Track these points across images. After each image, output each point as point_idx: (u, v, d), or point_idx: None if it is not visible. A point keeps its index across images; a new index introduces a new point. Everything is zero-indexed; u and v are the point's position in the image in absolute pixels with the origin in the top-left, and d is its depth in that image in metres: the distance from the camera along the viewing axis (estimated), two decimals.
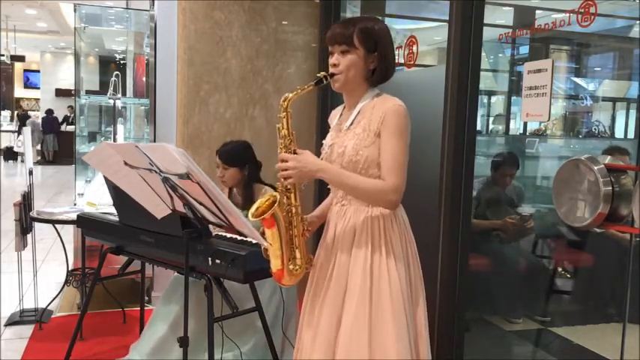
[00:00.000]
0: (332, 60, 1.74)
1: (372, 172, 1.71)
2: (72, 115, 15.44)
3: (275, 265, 1.72)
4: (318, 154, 1.81)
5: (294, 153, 1.68)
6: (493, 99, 5.65)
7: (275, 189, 1.67)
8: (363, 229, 1.73)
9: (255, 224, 1.81)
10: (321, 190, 3.70)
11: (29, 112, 17.08)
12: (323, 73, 1.73)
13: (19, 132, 13.98)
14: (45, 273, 4.48)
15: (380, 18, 3.80)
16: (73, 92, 6.09)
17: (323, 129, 1.86)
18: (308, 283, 1.86)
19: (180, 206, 2.09)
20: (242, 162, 2.76)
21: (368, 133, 1.71)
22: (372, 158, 1.70)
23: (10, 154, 13.86)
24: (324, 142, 1.85)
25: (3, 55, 14.08)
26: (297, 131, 1.73)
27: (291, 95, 1.68)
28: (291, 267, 1.72)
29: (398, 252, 1.72)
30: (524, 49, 4.30)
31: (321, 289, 1.77)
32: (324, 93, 3.81)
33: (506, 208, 3.40)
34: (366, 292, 1.68)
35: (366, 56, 1.72)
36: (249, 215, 1.67)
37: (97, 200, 3.31)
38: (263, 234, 1.71)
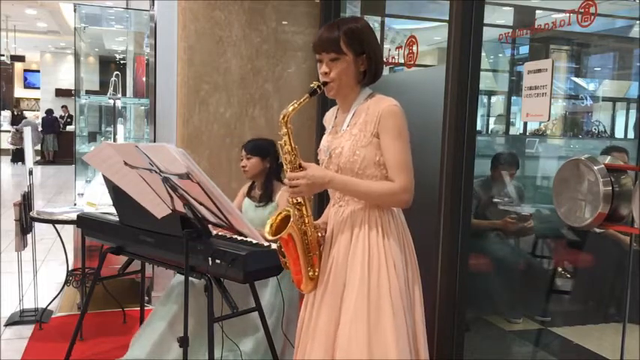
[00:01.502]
0: (322, 68, 1.74)
1: (369, 172, 1.71)
2: (66, 115, 15.42)
3: (295, 272, 1.77)
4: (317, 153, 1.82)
5: (300, 166, 1.70)
6: (493, 99, 5.65)
7: None
8: (360, 229, 1.73)
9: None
10: (321, 194, 3.69)
11: (28, 112, 17.02)
12: (316, 82, 1.73)
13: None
14: (45, 273, 4.48)
15: (378, 17, 3.82)
16: (73, 92, 6.08)
17: (323, 128, 1.86)
18: None
19: (180, 206, 2.09)
20: (264, 153, 2.84)
21: (364, 134, 1.72)
22: (369, 158, 1.70)
23: (18, 156, 13.78)
24: (321, 146, 1.85)
25: (3, 55, 14.07)
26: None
27: (289, 111, 1.69)
28: (310, 273, 1.76)
29: (396, 251, 1.72)
30: (524, 49, 4.31)
31: (319, 288, 1.78)
32: (323, 92, 3.81)
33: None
34: (364, 289, 1.68)
35: (356, 60, 1.73)
36: (267, 234, 1.70)
37: (97, 200, 3.31)
38: (281, 247, 1.74)
